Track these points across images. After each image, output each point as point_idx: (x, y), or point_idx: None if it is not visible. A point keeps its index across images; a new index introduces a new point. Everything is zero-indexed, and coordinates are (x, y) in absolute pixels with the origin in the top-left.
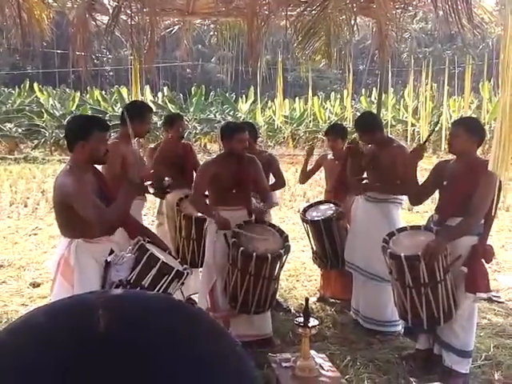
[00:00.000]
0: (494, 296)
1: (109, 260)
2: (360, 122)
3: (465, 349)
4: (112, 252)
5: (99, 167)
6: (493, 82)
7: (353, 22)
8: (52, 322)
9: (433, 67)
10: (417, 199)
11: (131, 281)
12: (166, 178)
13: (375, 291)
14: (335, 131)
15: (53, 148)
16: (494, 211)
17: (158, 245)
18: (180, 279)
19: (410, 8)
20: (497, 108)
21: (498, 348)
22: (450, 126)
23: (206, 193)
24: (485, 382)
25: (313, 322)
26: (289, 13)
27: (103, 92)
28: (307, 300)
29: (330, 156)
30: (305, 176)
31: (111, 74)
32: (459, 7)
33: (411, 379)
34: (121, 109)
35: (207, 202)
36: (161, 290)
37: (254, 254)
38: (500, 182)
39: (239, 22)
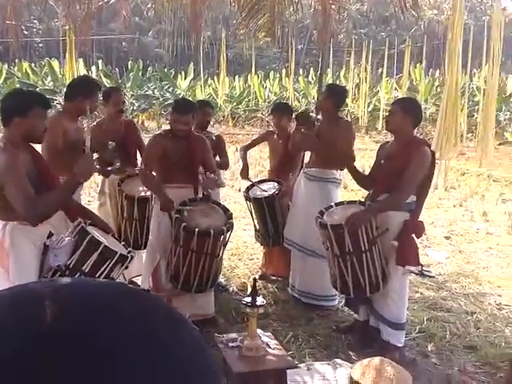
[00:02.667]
0: (425, 270)
1: (47, 244)
2: (332, 86)
3: (397, 321)
4: (51, 235)
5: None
6: (424, 64)
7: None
8: None
9: (367, 48)
10: (367, 182)
11: (70, 266)
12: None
13: (312, 267)
14: (280, 109)
15: None
16: (427, 188)
17: (100, 227)
18: (124, 263)
19: None
20: (427, 89)
21: (430, 321)
22: (385, 107)
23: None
24: (419, 353)
25: (260, 301)
26: None
27: (32, 64)
28: (255, 280)
29: (274, 135)
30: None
31: (41, 45)
32: None
33: (350, 353)
34: (51, 82)
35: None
36: (103, 275)
37: (196, 229)
38: (434, 159)
39: None
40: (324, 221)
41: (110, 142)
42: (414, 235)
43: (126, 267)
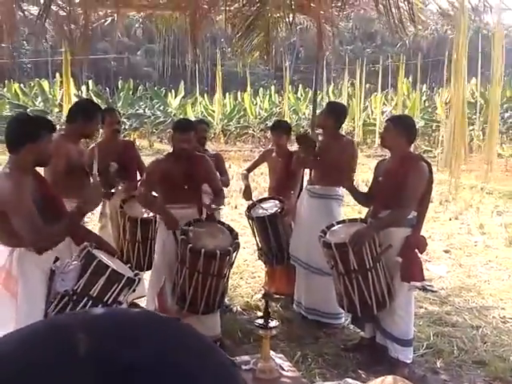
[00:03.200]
0: (428, 285)
1: (53, 269)
2: (333, 104)
3: (405, 337)
4: (57, 260)
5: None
6: (411, 79)
7: (290, 20)
8: (23, 352)
9: (360, 65)
10: (367, 200)
11: (78, 290)
12: (116, 179)
13: (318, 284)
14: (280, 127)
15: None
16: (427, 203)
17: (105, 249)
18: (131, 286)
19: (347, 7)
20: (415, 104)
21: (437, 336)
22: (373, 121)
23: (154, 193)
24: (428, 370)
25: (273, 322)
26: (227, 8)
27: (22, 85)
28: (267, 301)
29: (273, 154)
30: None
31: (29, 66)
32: (401, 7)
33: (360, 372)
34: (41, 103)
35: (156, 199)
36: (111, 299)
37: (203, 250)
38: (431, 174)
39: (174, 16)
40: (327, 240)
41: (111, 163)
42: (417, 250)
43: (134, 290)
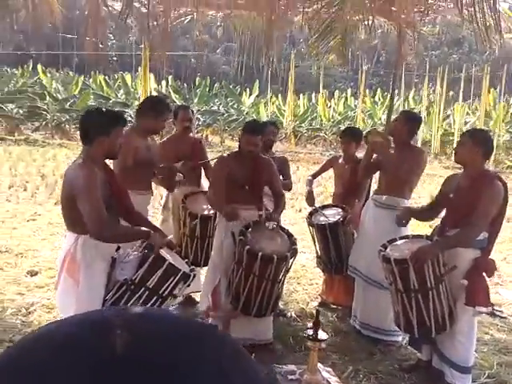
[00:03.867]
0: (497, 311)
1: (115, 257)
2: (408, 113)
3: (465, 364)
4: (118, 248)
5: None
6: (499, 89)
7: (370, 22)
8: (78, 333)
9: (442, 71)
10: (427, 215)
11: (136, 280)
12: (180, 174)
13: (376, 298)
14: (350, 134)
15: (54, 131)
16: (499, 225)
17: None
18: (186, 281)
19: (429, 12)
20: (500, 116)
21: (501, 366)
22: (457, 132)
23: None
24: None
25: (323, 335)
26: (305, 9)
27: (106, 77)
28: (318, 312)
29: (340, 160)
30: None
31: (115, 59)
32: (486, 14)
33: None
34: (123, 95)
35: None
36: (166, 292)
37: (260, 253)
38: (506, 194)
39: (252, 15)
40: (387, 254)
41: (179, 174)
42: (484, 274)
43: (189, 285)
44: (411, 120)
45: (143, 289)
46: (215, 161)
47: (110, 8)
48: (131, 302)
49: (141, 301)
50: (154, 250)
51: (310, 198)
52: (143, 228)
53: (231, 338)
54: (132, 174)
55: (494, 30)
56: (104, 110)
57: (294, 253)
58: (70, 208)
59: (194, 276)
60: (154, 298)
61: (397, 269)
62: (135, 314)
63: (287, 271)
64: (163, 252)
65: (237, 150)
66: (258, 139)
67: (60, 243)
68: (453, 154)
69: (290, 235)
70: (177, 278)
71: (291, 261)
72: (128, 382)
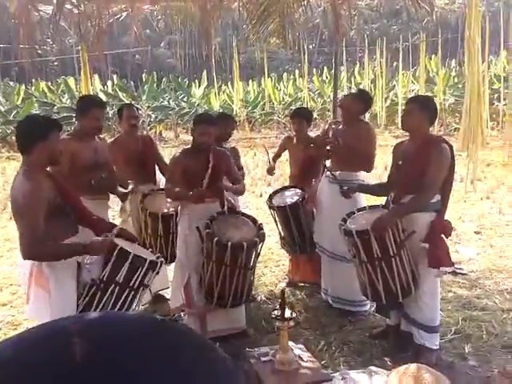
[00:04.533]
0: (457, 268)
1: (79, 261)
2: (362, 92)
3: (431, 324)
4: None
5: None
6: (439, 55)
7: (305, 1)
8: (21, 356)
9: (381, 43)
10: (388, 187)
11: (104, 278)
12: (129, 181)
13: (342, 272)
14: (301, 114)
15: (0, 145)
16: (450, 186)
17: (125, 237)
18: (154, 269)
19: None
20: (444, 80)
21: (465, 321)
22: (403, 101)
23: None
24: (456, 355)
25: (289, 313)
26: None
27: (49, 83)
28: (283, 292)
29: (294, 141)
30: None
31: (56, 64)
32: None
33: (385, 359)
34: (68, 100)
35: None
36: (137, 283)
37: (229, 243)
38: (453, 155)
39: (189, 6)
40: (348, 227)
41: (129, 181)
42: (443, 235)
43: (158, 272)
44: (364, 98)
45: (113, 285)
46: (170, 160)
47: (42, 12)
48: (104, 300)
49: (113, 297)
50: (115, 246)
51: (270, 169)
52: (76, 242)
53: (193, 332)
54: (79, 179)
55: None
56: (38, 115)
57: (262, 237)
58: None
59: (162, 263)
60: (126, 292)
61: (359, 240)
62: (91, 320)
63: (257, 256)
64: (126, 245)
65: (190, 146)
66: (211, 129)
67: (19, 259)
68: (400, 123)
69: (254, 221)
70: (144, 267)
71: (260, 246)
72: None
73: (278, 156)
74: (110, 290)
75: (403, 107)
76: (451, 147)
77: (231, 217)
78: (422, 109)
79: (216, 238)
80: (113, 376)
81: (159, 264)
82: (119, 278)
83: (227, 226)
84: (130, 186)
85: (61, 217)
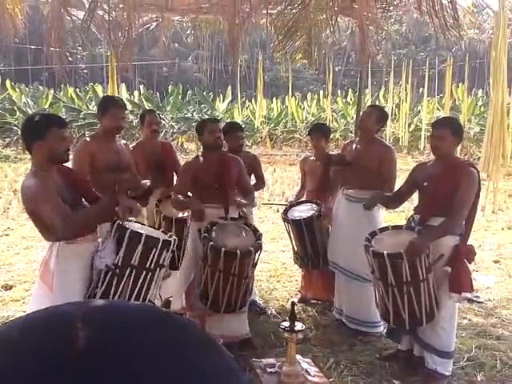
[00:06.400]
0: (474, 296)
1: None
2: (372, 106)
3: (446, 350)
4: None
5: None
6: (466, 83)
7: (333, 21)
8: (25, 339)
9: (407, 68)
10: (395, 202)
11: (119, 263)
12: (147, 181)
13: (357, 291)
14: (319, 130)
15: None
16: (475, 211)
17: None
18: (169, 248)
19: (391, 8)
20: (470, 109)
21: (479, 349)
22: (426, 127)
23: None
24: (468, 383)
25: (299, 326)
26: (269, 11)
27: (77, 90)
28: (293, 304)
29: (311, 158)
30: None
31: (85, 71)
32: (444, 9)
33: (395, 382)
34: (95, 107)
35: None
36: (152, 264)
37: (223, 249)
38: (480, 181)
39: (218, 20)
40: (377, 249)
41: (146, 181)
42: (465, 260)
43: (172, 251)
44: (375, 113)
45: (129, 268)
46: (180, 168)
47: (74, 17)
48: (122, 285)
49: (131, 280)
50: (126, 228)
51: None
52: (103, 201)
53: (196, 326)
54: (100, 180)
55: (454, 25)
56: (38, 115)
57: (259, 247)
58: (35, 220)
59: (175, 241)
60: (144, 274)
61: (389, 263)
62: (96, 307)
63: (254, 266)
64: (137, 227)
65: (201, 153)
66: (218, 127)
67: (34, 256)
68: (431, 148)
69: (255, 231)
70: (158, 247)
71: (257, 256)
72: (91, 377)
73: (303, 181)
74: (126, 274)
75: (427, 133)
76: (478, 171)
77: (233, 224)
78: (453, 134)
79: (211, 243)
80: (116, 363)
81: (173, 242)
82: (134, 261)
83: (226, 233)
84: (148, 183)
85: (74, 210)
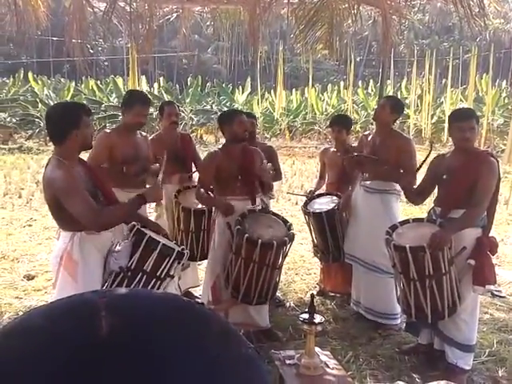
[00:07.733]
0: (496, 290)
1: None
2: (387, 97)
3: (468, 343)
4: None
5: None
6: (490, 74)
7: (355, 10)
8: (50, 325)
9: (430, 59)
10: (418, 197)
11: (132, 267)
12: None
13: (376, 283)
14: (340, 122)
15: (47, 138)
16: (496, 201)
17: (152, 229)
18: (180, 260)
19: None
20: (494, 100)
21: (501, 344)
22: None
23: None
24: (488, 378)
25: (318, 318)
26: (290, 1)
27: (98, 82)
28: (313, 296)
29: (332, 149)
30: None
31: (106, 63)
32: None
33: (414, 376)
34: (116, 99)
35: (210, 194)
36: (163, 273)
37: (260, 240)
38: (499, 171)
39: (238, 10)
40: (399, 243)
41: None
42: (489, 252)
43: (183, 264)
44: (390, 103)
45: (140, 273)
46: (202, 160)
47: (96, 9)
48: None
49: (140, 286)
50: (144, 234)
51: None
52: (131, 198)
53: (217, 316)
54: (117, 173)
55: (479, 14)
56: (66, 103)
57: (292, 237)
58: (57, 209)
59: (188, 254)
60: (153, 281)
61: (412, 257)
62: (120, 295)
63: (285, 257)
64: (154, 235)
65: (224, 143)
66: (246, 118)
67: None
68: (460, 141)
69: (285, 221)
70: (172, 257)
71: (289, 246)
72: (114, 364)
73: (323, 172)
74: (137, 278)
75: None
76: (498, 161)
77: (262, 215)
78: (477, 123)
79: (246, 235)
80: (138, 352)
81: (185, 255)
82: (147, 267)
83: (258, 224)
84: (157, 165)
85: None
